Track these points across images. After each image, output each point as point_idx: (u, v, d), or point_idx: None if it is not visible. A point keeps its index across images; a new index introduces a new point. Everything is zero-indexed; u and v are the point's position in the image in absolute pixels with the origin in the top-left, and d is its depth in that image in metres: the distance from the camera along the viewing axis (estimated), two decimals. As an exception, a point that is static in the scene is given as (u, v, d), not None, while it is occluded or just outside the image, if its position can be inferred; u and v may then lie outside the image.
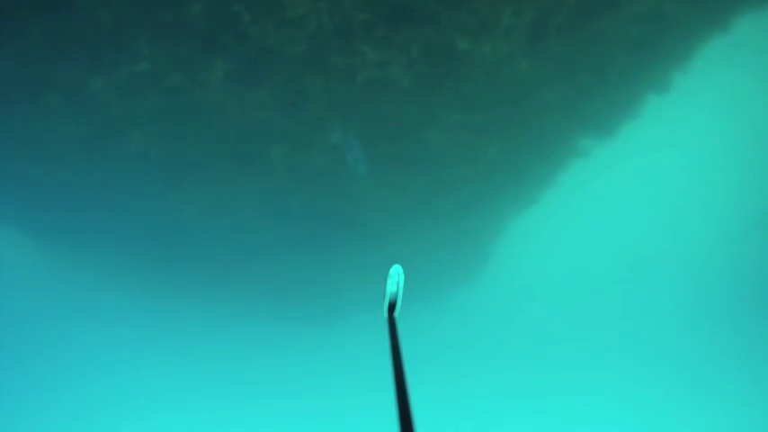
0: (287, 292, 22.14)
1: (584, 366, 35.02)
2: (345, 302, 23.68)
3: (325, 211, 15.35)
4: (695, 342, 33.68)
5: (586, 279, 33.12)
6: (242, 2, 9.07)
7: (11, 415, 27.03)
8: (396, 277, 2.39)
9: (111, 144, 12.70)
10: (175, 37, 9.89)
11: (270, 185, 14.13)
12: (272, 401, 33.59)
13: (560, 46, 9.45)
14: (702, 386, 32.86)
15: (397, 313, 2.22)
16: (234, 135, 12.20)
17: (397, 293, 2.34)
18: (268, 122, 11.79)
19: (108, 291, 21.46)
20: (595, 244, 28.57)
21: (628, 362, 34.19)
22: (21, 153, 13.00)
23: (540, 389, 34.95)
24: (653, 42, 10.91)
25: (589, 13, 9.01)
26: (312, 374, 32.46)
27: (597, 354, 35.04)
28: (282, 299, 22.99)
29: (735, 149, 18.80)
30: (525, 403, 35.17)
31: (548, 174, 16.20)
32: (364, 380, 32.64)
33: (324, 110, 10.93)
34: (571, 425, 33.44)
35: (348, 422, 33.49)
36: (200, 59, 10.69)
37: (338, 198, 14.63)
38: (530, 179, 16.14)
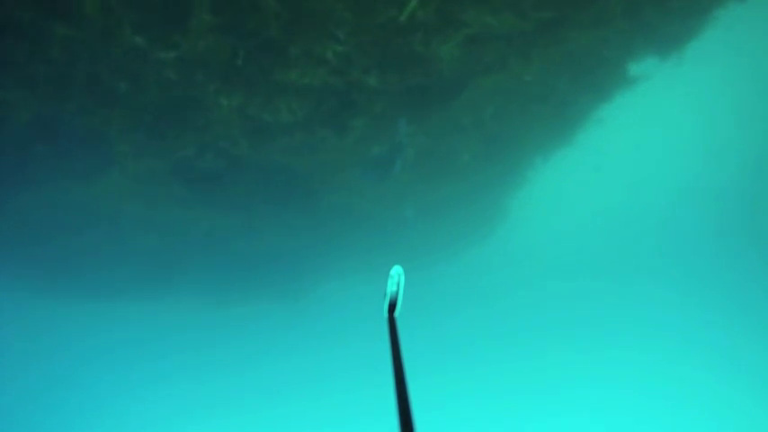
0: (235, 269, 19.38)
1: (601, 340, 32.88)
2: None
3: (291, 174, 12.21)
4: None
5: (620, 239, 29.77)
6: None
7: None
8: (396, 277, 2.30)
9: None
10: None
11: (219, 143, 11.01)
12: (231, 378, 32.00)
13: None
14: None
15: (397, 313, 2.10)
16: (167, 74, 9.01)
17: (397, 293, 2.23)
18: (207, 61, 8.60)
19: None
20: (637, 195, 25.00)
21: (660, 341, 31.61)
22: None
23: (553, 360, 33.12)
24: None
25: None
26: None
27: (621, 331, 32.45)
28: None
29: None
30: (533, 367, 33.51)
31: (588, 108, 12.95)
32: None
33: (291, 32, 7.72)
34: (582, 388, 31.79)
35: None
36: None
37: (311, 160, 11.46)
38: (565, 115, 12.92)
